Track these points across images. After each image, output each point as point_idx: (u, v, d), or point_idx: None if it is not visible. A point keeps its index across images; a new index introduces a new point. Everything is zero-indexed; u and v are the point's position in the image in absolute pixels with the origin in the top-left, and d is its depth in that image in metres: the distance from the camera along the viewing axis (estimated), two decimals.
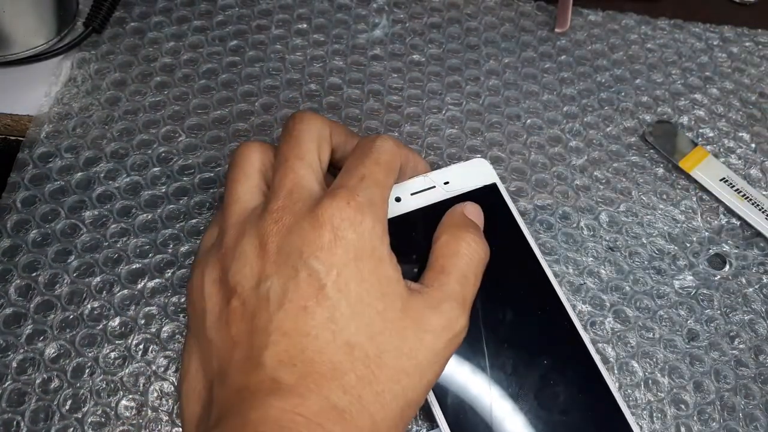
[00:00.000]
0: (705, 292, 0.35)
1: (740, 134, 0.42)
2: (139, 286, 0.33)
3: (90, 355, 0.31)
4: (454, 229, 0.28)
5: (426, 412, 0.31)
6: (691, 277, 0.36)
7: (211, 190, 0.37)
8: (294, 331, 0.23)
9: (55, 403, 0.30)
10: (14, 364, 0.31)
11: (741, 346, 0.34)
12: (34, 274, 0.33)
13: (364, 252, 0.24)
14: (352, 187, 0.25)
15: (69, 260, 0.34)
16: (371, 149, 0.27)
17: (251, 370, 0.23)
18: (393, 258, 0.26)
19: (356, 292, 0.24)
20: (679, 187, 0.39)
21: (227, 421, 0.22)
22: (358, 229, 0.24)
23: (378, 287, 0.24)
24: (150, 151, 0.38)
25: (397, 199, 0.31)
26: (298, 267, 0.24)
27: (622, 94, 0.43)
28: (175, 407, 0.30)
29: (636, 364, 0.33)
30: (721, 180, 0.38)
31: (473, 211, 0.30)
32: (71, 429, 0.29)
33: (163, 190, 0.36)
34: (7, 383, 0.30)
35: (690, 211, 0.38)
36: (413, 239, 0.30)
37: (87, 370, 0.31)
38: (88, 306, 0.32)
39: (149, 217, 0.35)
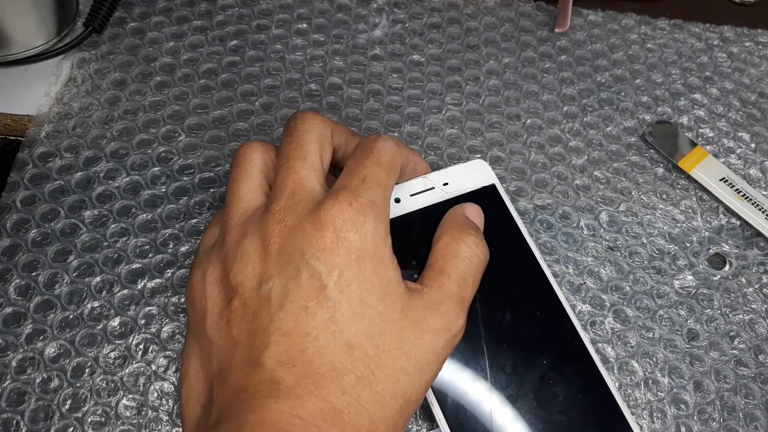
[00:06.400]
0: (705, 291, 0.35)
1: (740, 134, 0.42)
2: (139, 286, 0.33)
3: (90, 354, 0.31)
4: (455, 231, 0.28)
5: (426, 412, 0.31)
6: (691, 277, 0.36)
7: (211, 190, 0.37)
8: (294, 331, 0.23)
9: (55, 402, 0.30)
10: (14, 364, 0.31)
11: (741, 345, 0.34)
12: (33, 273, 0.33)
13: (366, 253, 0.24)
14: (354, 188, 0.25)
15: (69, 260, 0.34)
16: (372, 150, 0.27)
17: (251, 371, 0.23)
18: (394, 259, 0.26)
19: (357, 293, 0.24)
20: (679, 187, 0.39)
21: (226, 422, 0.22)
22: (360, 230, 0.24)
23: (379, 288, 0.24)
24: (150, 151, 0.38)
25: (397, 200, 0.31)
26: (300, 267, 0.24)
27: (622, 94, 0.43)
28: (175, 407, 0.30)
29: (636, 364, 0.33)
30: (720, 180, 0.38)
31: (474, 213, 0.30)
32: (71, 428, 0.29)
33: (163, 190, 0.36)
34: (7, 382, 0.30)
35: (690, 210, 0.38)
36: (412, 240, 0.30)
37: (87, 370, 0.31)
38: (88, 306, 0.32)
39: (149, 216, 0.35)
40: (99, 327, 0.32)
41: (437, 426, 0.27)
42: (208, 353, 0.25)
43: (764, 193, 0.39)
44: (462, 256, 0.27)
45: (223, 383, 0.24)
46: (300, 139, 0.27)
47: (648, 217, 0.38)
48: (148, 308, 0.33)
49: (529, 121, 0.41)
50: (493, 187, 0.33)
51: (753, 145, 0.41)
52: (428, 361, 0.25)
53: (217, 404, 0.23)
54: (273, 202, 0.26)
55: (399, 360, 0.24)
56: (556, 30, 0.45)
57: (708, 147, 0.41)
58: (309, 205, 0.25)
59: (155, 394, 0.31)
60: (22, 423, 0.29)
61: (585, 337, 0.30)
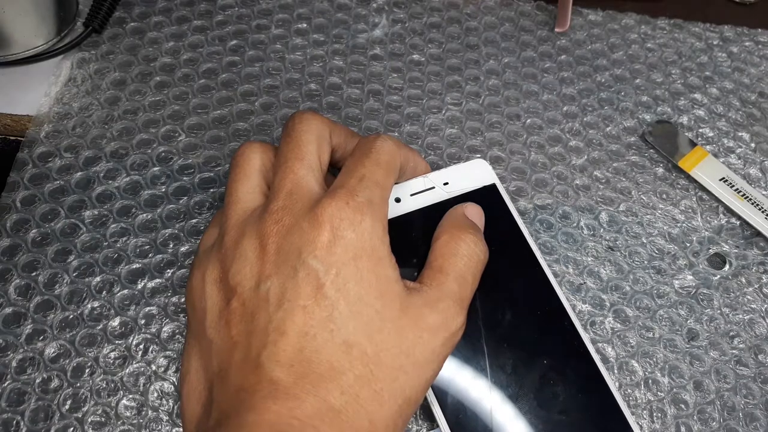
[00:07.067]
0: (705, 291, 0.35)
1: (740, 134, 0.42)
2: (139, 286, 0.33)
3: (90, 354, 0.31)
4: (455, 230, 0.28)
5: (426, 412, 0.31)
6: (691, 277, 0.36)
7: (211, 190, 0.37)
8: (292, 330, 0.23)
9: (55, 402, 0.30)
10: (14, 364, 0.31)
11: (741, 345, 0.34)
12: (33, 273, 0.33)
13: (364, 251, 0.24)
14: (351, 187, 0.25)
15: (69, 260, 0.34)
16: (371, 149, 0.27)
17: (250, 371, 0.23)
18: (392, 258, 0.26)
19: (355, 291, 0.24)
20: (679, 186, 0.39)
21: (226, 422, 0.22)
22: (358, 229, 0.24)
23: (377, 286, 0.24)
24: (150, 151, 0.38)
25: (397, 200, 0.31)
26: (297, 267, 0.24)
27: (622, 93, 0.43)
28: (176, 407, 0.30)
29: (636, 364, 0.33)
30: (720, 180, 0.38)
31: (474, 212, 0.30)
32: (71, 428, 0.29)
33: (163, 190, 0.36)
34: (7, 383, 0.30)
35: (690, 210, 0.38)
36: (412, 240, 0.30)
37: (87, 370, 0.31)
38: (88, 306, 0.32)
39: (149, 216, 0.35)
40: (99, 327, 0.32)
41: (437, 426, 0.27)
42: (208, 353, 0.25)
43: (764, 193, 0.39)
44: (461, 255, 0.27)
45: (223, 383, 0.24)
46: (298, 140, 0.27)
47: (648, 216, 0.38)
48: (148, 308, 0.33)
49: (529, 120, 0.41)
50: (493, 186, 0.33)
51: (753, 145, 0.41)
52: (427, 359, 0.25)
53: (217, 404, 0.23)
54: (271, 202, 0.26)
55: (398, 359, 0.24)
56: (556, 30, 0.45)
57: (708, 147, 0.41)
58: (307, 204, 0.25)
59: (155, 394, 0.31)
60: (22, 423, 0.29)
61: (585, 337, 0.30)
